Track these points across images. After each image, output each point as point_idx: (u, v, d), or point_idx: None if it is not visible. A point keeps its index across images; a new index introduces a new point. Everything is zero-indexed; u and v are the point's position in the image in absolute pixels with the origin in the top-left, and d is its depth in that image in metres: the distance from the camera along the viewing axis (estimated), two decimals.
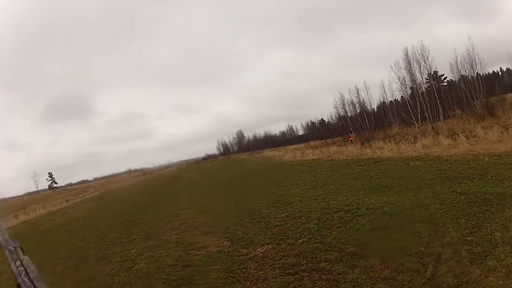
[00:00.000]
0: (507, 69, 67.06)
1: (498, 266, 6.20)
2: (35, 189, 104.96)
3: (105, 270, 10.53)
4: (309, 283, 7.11)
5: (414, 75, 46.50)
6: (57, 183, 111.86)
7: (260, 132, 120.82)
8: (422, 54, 45.01)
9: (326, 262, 7.87)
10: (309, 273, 7.56)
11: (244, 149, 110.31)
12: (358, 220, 10.59)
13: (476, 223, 8.58)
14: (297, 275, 7.57)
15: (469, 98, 42.22)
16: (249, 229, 12.01)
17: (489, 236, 7.57)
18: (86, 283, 9.70)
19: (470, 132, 27.81)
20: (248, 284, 7.74)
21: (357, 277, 6.88)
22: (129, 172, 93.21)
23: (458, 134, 26.14)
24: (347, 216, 11.20)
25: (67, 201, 44.89)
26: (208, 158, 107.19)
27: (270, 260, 8.70)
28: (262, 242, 10.16)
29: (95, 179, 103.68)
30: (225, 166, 54.44)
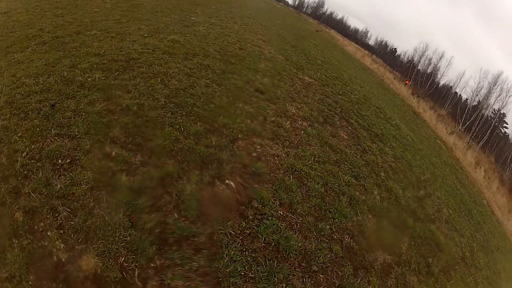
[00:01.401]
0: None
1: None
2: None
3: (161, 19, 11.05)
4: (339, 122, 8.65)
5: (491, 96, 45.29)
6: None
7: (338, 15, 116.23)
8: (509, 89, 43.45)
9: (355, 122, 9.19)
10: (340, 118, 8.81)
11: (316, 17, 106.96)
12: (387, 124, 11.66)
13: (458, 212, 9.46)
14: (331, 112, 8.84)
15: (509, 160, 41.65)
16: (303, 63, 12.82)
17: (462, 227, 8.54)
18: (137, 21, 10.01)
19: (488, 178, 27.73)
20: (291, 89, 8.97)
21: (373, 148, 8.14)
22: None
23: (480, 167, 26.19)
24: (381, 115, 12.40)
25: None
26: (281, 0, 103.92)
27: (314, 90, 10.05)
28: (311, 76, 11.29)
29: None
30: (295, 17, 51.49)
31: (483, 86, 47.51)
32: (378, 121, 10.76)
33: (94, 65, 6.31)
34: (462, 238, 7.82)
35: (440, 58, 56.79)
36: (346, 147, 7.00)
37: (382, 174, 6.84)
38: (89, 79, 5.80)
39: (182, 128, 5.09)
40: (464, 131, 44.29)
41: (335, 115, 8.68)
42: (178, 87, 6.24)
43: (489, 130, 44.20)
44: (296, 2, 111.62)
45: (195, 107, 5.73)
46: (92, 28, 8.65)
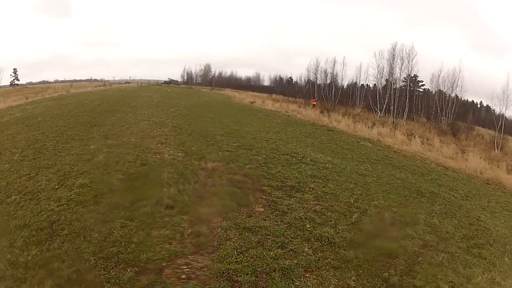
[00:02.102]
0: (486, 105, 69.94)
1: (415, 236, 7.53)
2: None
3: (64, 160, 10.95)
4: (252, 197, 8.36)
5: (394, 69, 48.02)
6: (19, 80, 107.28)
7: (227, 71, 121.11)
8: (409, 54, 46.53)
9: (268, 187, 9.14)
10: (253, 191, 8.78)
11: (207, 83, 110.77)
12: (301, 165, 11.88)
13: (404, 201, 9.97)
14: (243, 190, 8.84)
15: (438, 112, 44.13)
16: (202, 148, 12.99)
17: (413, 215, 8.95)
18: (45, 170, 10.00)
19: (427, 139, 29.63)
20: (197, 186, 8.86)
21: (292, 204, 8.14)
22: (90, 80, 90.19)
23: (414, 136, 27.57)
24: (293, 160, 12.60)
25: (26, 98, 43.59)
26: (170, 82, 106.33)
27: (219, 173, 9.90)
28: (214, 159, 11.25)
29: (56, 81, 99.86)
30: (185, 94, 54.91)
31: (383, 66, 50.57)
32: (291, 170, 10.99)
33: (27, 240, 6.18)
34: (417, 225, 8.14)
35: (334, 64, 60.18)
36: (265, 219, 7.05)
37: (308, 225, 6.92)
38: (29, 258, 5.68)
39: (117, 281, 5.00)
40: (385, 115, 46.45)
41: (248, 191, 8.77)
42: (100, 239, 6.15)
43: (407, 99, 46.59)
44: (185, 77, 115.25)
45: (120, 254, 5.65)
46: (10, 192, 8.46)
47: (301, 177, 10.29)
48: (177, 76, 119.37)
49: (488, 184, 17.11)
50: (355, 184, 10.56)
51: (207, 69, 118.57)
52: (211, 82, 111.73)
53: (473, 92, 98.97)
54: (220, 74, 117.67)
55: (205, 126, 18.04)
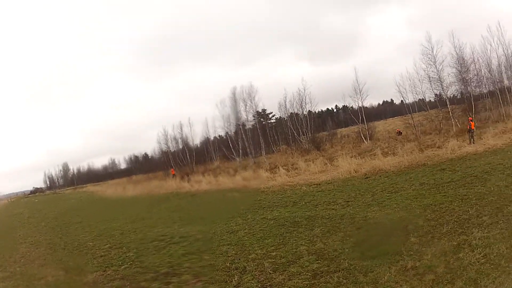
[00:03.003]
0: (343, 106, 75.30)
1: (302, 271, 7.28)
2: None
3: None
4: None
5: (240, 113, 49.28)
6: None
7: (84, 166, 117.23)
8: (249, 94, 48.13)
9: (145, 282, 8.69)
10: None
11: (69, 183, 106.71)
12: (171, 247, 11.46)
13: (282, 241, 9.73)
14: None
15: (295, 134, 45.99)
16: (78, 259, 12.33)
17: (294, 250, 8.72)
18: None
19: (292, 165, 30.33)
20: None
21: None
22: None
23: (278, 167, 27.90)
24: (161, 244, 12.18)
25: None
26: (36, 191, 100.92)
27: (101, 284, 9.36)
28: (91, 270, 10.64)
29: None
30: (51, 201, 52.75)
31: (228, 113, 51.08)
32: (162, 256, 10.59)
33: None
34: (301, 259, 7.91)
35: (181, 128, 59.68)
36: None
37: None
38: None
39: None
40: (245, 158, 46.97)
41: None
42: None
43: (259, 135, 47.49)
44: (48, 182, 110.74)
45: None
46: None
47: (173, 260, 9.95)
48: (40, 182, 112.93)
49: (367, 178, 17.86)
50: (229, 245, 10.33)
51: (65, 168, 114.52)
52: (72, 180, 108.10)
53: (328, 99, 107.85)
54: (79, 170, 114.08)
55: (76, 234, 17.16)
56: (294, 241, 9.43)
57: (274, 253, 8.71)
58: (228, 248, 9.93)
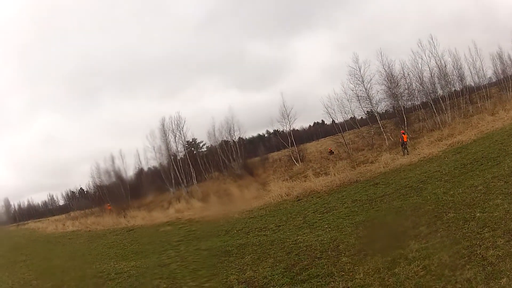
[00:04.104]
0: (274, 130, 75.94)
1: None
2: None
3: None
4: None
5: (169, 144, 48.92)
6: None
7: (25, 202, 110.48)
8: (178, 125, 47.85)
9: None
10: None
11: (12, 219, 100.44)
12: (109, 283, 11.29)
13: (214, 271, 9.80)
14: None
15: (226, 161, 46.14)
16: None
17: (225, 280, 8.82)
18: None
19: (224, 191, 30.08)
20: None
21: None
22: None
23: (210, 196, 27.83)
24: (100, 281, 11.93)
25: None
26: None
27: None
28: None
29: None
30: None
31: (159, 145, 50.51)
32: None
33: None
34: None
35: (113, 161, 57.75)
36: None
37: None
38: None
39: None
40: (178, 189, 46.48)
41: None
42: None
43: (190, 165, 47.13)
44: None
45: None
46: None
47: None
48: None
49: (299, 200, 18.10)
50: (161, 278, 10.29)
51: (7, 204, 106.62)
52: (14, 217, 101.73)
53: (258, 125, 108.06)
54: (20, 206, 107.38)
55: (22, 273, 16.54)
56: (225, 271, 9.48)
57: (207, 285, 8.82)
58: (160, 282, 9.86)
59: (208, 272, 9.78)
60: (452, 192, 10.85)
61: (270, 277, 8.13)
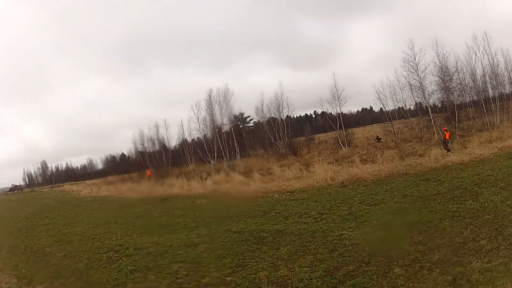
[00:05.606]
0: (322, 111, 74.89)
1: None
2: None
3: None
4: None
5: (215, 116, 48.48)
6: None
7: (63, 164, 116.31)
8: (225, 97, 47.30)
9: None
10: None
11: (48, 181, 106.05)
12: (123, 260, 10.60)
13: (241, 262, 8.67)
14: None
15: (272, 139, 45.35)
16: (32, 267, 11.73)
17: (253, 276, 7.62)
18: None
19: (267, 170, 29.50)
20: None
21: None
22: None
23: (253, 172, 27.05)
24: (116, 256, 11.34)
25: None
26: (14, 189, 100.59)
27: None
28: (41, 281, 10.04)
29: None
30: (27, 199, 52.06)
31: (205, 116, 50.48)
32: (111, 271, 9.84)
33: None
34: None
35: (157, 129, 58.81)
36: None
37: None
38: None
39: None
40: (220, 161, 46.28)
41: None
42: None
43: (234, 139, 46.79)
44: (26, 180, 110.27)
45: None
46: None
47: (120, 277, 9.02)
48: (19, 179, 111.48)
49: (344, 186, 17.03)
50: (183, 262, 9.35)
51: (44, 166, 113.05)
52: (50, 179, 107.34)
53: (307, 105, 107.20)
54: (57, 168, 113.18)
55: (38, 238, 16.63)
56: (255, 263, 8.37)
57: (229, 278, 7.63)
58: (180, 267, 8.95)
59: (234, 262, 8.65)
60: (510, 202, 9.86)
61: (307, 281, 6.86)
